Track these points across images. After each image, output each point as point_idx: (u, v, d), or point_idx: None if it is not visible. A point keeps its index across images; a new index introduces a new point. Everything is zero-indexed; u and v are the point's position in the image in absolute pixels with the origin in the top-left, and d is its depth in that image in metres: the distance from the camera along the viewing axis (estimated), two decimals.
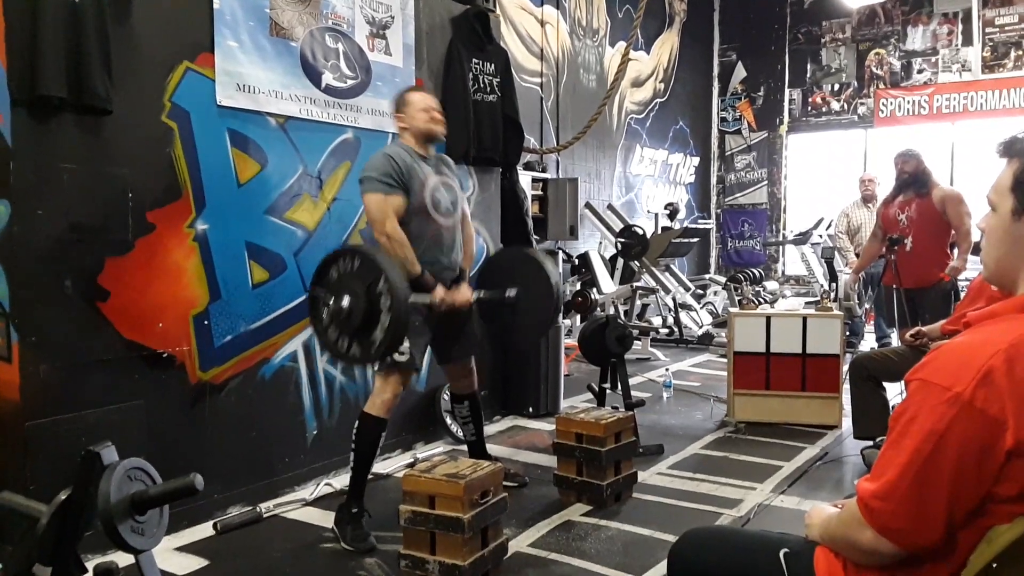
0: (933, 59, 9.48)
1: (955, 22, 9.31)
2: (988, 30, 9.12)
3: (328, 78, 3.68)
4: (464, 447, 3.74)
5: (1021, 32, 8.95)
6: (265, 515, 3.25)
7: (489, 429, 4.46)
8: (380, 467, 3.79)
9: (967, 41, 9.23)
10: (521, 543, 2.98)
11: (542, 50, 7.59)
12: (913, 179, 5.10)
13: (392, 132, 4.03)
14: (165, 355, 3.04)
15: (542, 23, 7.58)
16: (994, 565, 1.11)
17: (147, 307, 2.98)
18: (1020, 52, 8.96)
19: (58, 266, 2.72)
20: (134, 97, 2.91)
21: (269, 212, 3.47)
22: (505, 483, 2.97)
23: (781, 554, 1.38)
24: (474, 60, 4.49)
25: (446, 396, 4.17)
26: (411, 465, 3.84)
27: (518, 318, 3.42)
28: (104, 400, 2.84)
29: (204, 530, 3.09)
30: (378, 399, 3.08)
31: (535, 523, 3.18)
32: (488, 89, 4.59)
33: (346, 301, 2.76)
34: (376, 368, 3.15)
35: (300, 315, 3.60)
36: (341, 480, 3.55)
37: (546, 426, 4.62)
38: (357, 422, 3.10)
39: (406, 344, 3.01)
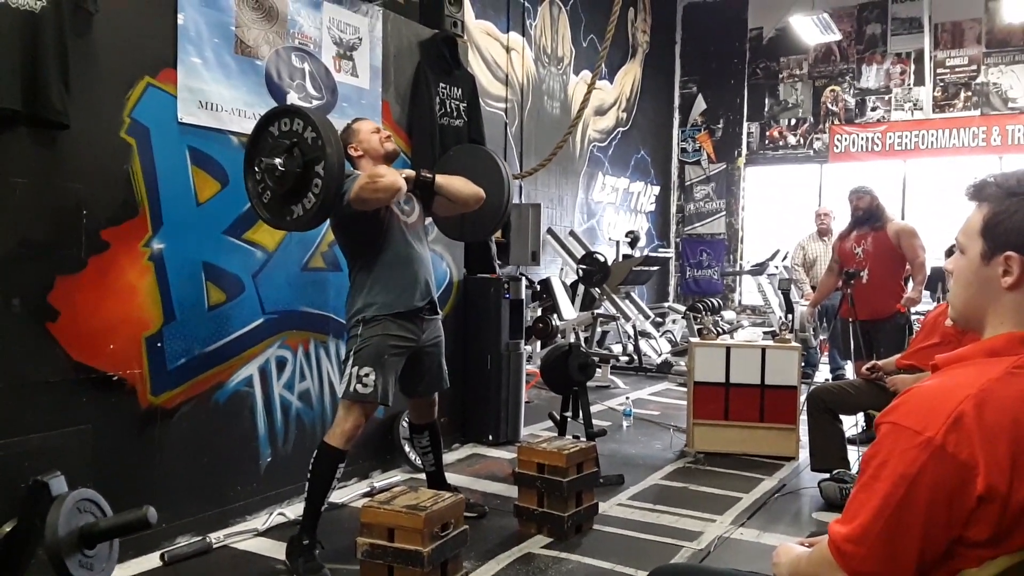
0: (886, 97, 9.79)
1: (908, 62, 9.64)
2: (939, 71, 9.46)
3: (293, 98, 3.63)
4: (423, 475, 3.68)
5: (971, 74, 9.30)
6: (215, 545, 3.13)
7: (448, 457, 4.40)
8: (335, 496, 3.68)
9: (919, 81, 9.55)
10: None
11: (507, 76, 7.63)
12: (867, 215, 5.23)
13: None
14: (115, 378, 2.93)
15: (508, 49, 7.63)
16: None
17: (98, 328, 2.87)
18: (969, 93, 9.31)
19: (6, 283, 2.61)
20: (92, 112, 2.83)
21: (229, 232, 3.39)
22: (464, 513, 2.92)
23: None
24: (441, 84, 4.49)
25: (405, 423, 4.10)
26: (368, 494, 3.77)
27: (470, 212, 3.40)
28: (50, 424, 2.72)
29: (151, 560, 2.96)
30: (339, 429, 3.01)
31: (495, 555, 3.12)
32: (455, 114, 4.59)
33: (279, 160, 2.80)
34: (340, 396, 3.09)
35: (257, 338, 3.52)
36: (295, 509, 3.46)
37: (506, 454, 4.58)
38: (316, 451, 3.02)
39: (371, 376, 2.97)
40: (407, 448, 4.17)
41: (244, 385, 3.47)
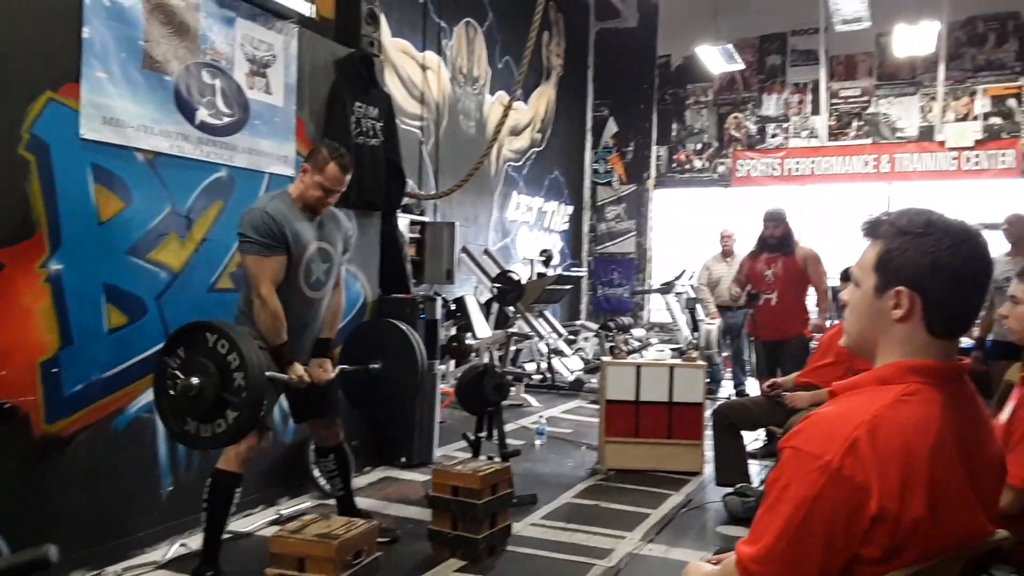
0: (785, 125, 10.29)
1: (805, 92, 10.17)
2: (834, 101, 10.01)
3: (203, 114, 3.54)
4: (333, 500, 3.62)
5: (863, 104, 9.89)
6: None
7: (360, 481, 4.34)
8: (241, 525, 3.60)
9: (815, 110, 10.08)
10: None
11: (423, 94, 7.65)
12: (780, 242, 5.44)
13: (269, 172, 3.94)
14: (7, 405, 2.77)
15: (423, 68, 7.65)
16: None
17: None
18: (861, 122, 9.89)
19: None
20: None
21: (131, 252, 3.27)
22: (377, 539, 2.89)
23: None
24: (358, 103, 4.46)
25: (314, 447, 4.02)
26: (275, 522, 3.68)
27: (382, 389, 3.42)
28: None
29: None
30: (231, 452, 2.94)
31: None
32: (371, 133, 4.57)
33: (196, 380, 2.66)
34: None
35: None
36: (198, 540, 3.33)
37: (419, 476, 4.55)
38: (209, 479, 2.95)
39: None
40: (316, 473, 4.09)
41: (145, 411, 3.34)
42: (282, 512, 3.83)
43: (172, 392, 2.74)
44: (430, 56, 7.73)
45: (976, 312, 1.29)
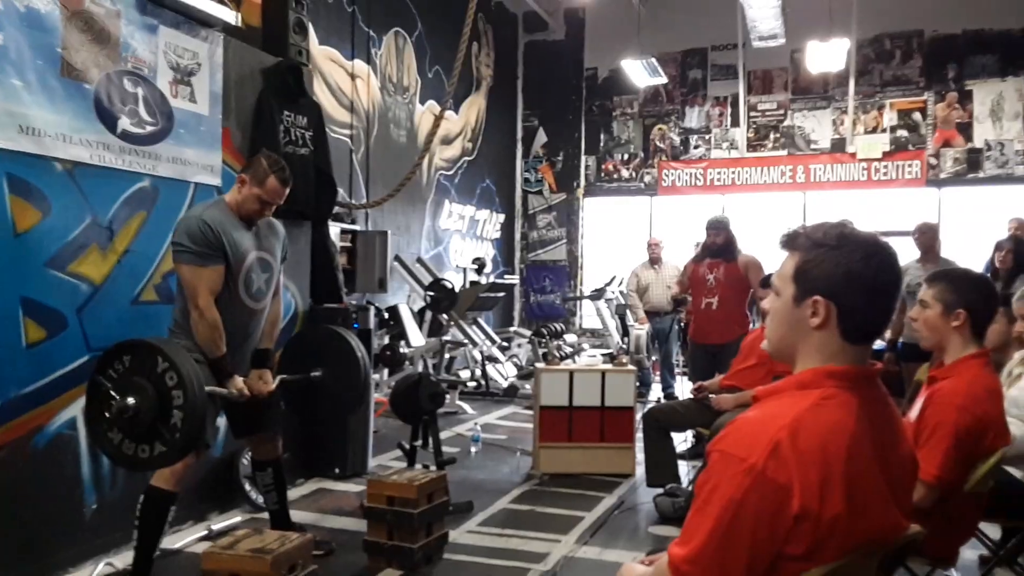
0: (707, 136, 10.62)
1: (725, 105, 10.52)
2: (752, 114, 10.39)
3: (125, 123, 3.46)
4: (265, 514, 3.57)
5: (779, 117, 10.29)
6: None
7: (292, 493, 4.27)
8: (169, 541, 3.50)
9: (735, 122, 10.44)
10: None
11: (352, 103, 7.60)
12: (722, 249, 5.60)
13: (195, 182, 3.87)
14: None
15: (352, 76, 7.61)
16: None
17: None
18: (777, 135, 10.29)
19: None
20: None
21: (50, 264, 3.16)
22: (312, 552, 2.87)
23: None
24: (286, 112, 4.42)
25: (245, 461, 3.96)
26: (206, 537, 3.60)
27: (324, 398, 3.39)
28: None
29: None
30: (167, 470, 2.87)
31: None
32: (300, 142, 4.53)
33: (132, 400, 2.60)
34: None
35: (81, 377, 3.27)
36: (124, 558, 3.25)
37: (354, 487, 4.51)
38: (142, 496, 2.87)
39: None
40: (248, 487, 4.02)
41: (67, 428, 3.24)
42: (213, 527, 3.75)
43: (107, 414, 2.66)
44: (359, 65, 7.70)
45: (887, 319, 1.37)
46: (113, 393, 2.65)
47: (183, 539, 3.59)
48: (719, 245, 5.57)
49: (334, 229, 5.92)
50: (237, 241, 2.99)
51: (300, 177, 4.49)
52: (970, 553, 3.35)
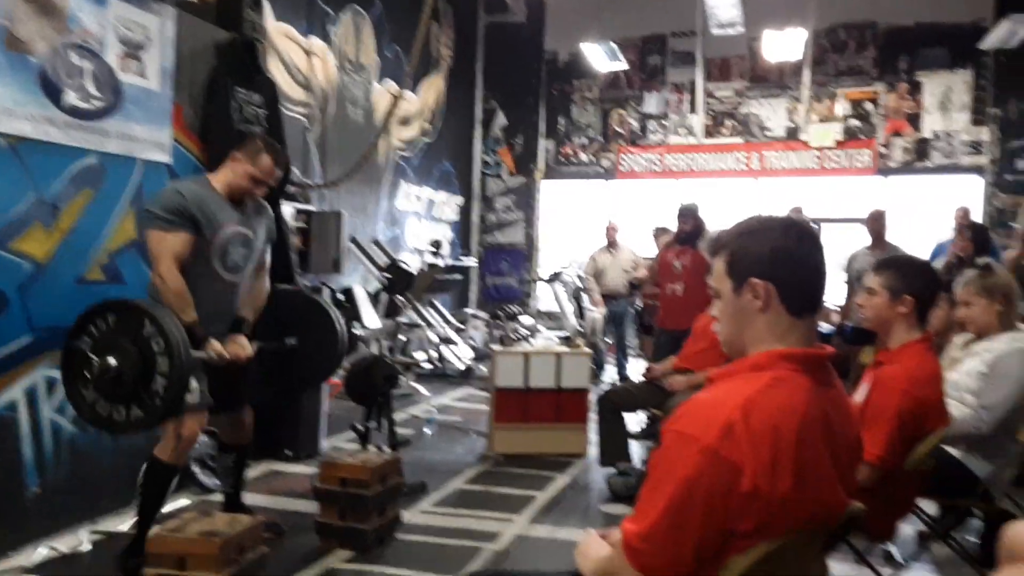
0: (665, 122, 10.69)
1: (683, 91, 10.59)
2: (709, 100, 10.48)
3: (71, 98, 3.35)
4: (212, 496, 3.53)
5: (735, 104, 10.40)
6: None
7: None
8: (112, 523, 3.46)
9: (692, 109, 10.53)
10: None
11: (308, 80, 7.47)
12: (690, 236, 5.63)
13: (143, 159, 3.77)
14: None
15: (308, 53, 7.47)
16: None
17: None
18: (734, 122, 10.40)
19: None
20: None
21: None
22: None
23: None
24: (240, 89, 4.33)
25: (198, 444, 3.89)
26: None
27: (298, 366, 3.36)
28: None
29: None
30: (171, 444, 2.85)
31: (296, 573, 3.07)
32: (254, 120, 4.44)
33: (113, 360, 2.56)
34: None
35: (22, 358, 3.21)
36: (68, 542, 3.20)
37: (306, 469, 4.48)
38: (144, 466, 2.85)
39: (194, 383, 2.84)
40: (196, 469, 3.96)
41: (7, 410, 3.16)
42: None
43: (87, 373, 2.63)
44: (315, 42, 7.56)
45: (822, 283, 1.43)
46: (91, 354, 2.63)
47: (128, 521, 3.52)
48: (687, 232, 5.61)
49: (288, 209, 5.83)
50: (212, 213, 2.97)
51: None
52: (908, 529, 3.48)
